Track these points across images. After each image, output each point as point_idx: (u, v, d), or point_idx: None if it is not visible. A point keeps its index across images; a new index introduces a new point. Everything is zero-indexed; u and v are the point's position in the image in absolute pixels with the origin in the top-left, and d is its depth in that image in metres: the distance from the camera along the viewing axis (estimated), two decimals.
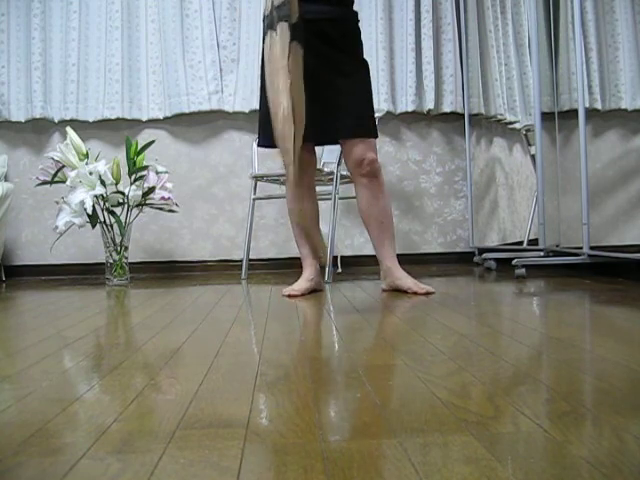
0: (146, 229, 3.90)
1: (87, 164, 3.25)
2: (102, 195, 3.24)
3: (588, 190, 2.77)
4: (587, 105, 2.84)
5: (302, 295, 2.48)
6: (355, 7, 3.99)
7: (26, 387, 1.16)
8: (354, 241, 4.00)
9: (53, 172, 3.33)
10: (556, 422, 0.88)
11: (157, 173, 3.37)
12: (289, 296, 2.46)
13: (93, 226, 3.26)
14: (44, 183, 3.38)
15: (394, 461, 0.76)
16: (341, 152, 2.74)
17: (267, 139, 2.48)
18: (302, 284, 2.53)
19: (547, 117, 3.21)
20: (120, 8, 3.85)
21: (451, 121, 4.04)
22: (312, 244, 2.40)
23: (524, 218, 3.67)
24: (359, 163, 2.45)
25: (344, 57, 2.45)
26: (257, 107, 3.85)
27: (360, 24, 2.57)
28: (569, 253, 3.01)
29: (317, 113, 2.41)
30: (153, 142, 3.42)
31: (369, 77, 2.51)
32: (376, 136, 2.52)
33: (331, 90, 2.41)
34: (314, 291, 2.57)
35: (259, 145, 2.57)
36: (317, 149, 3.30)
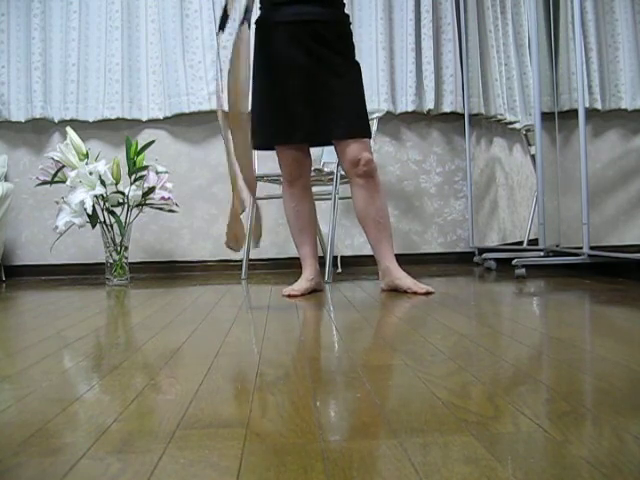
0: (146, 229, 3.90)
1: (87, 164, 3.25)
2: (102, 195, 3.24)
3: (588, 190, 2.77)
4: (587, 105, 2.84)
5: (302, 295, 2.48)
6: (355, 7, 4.00)
7: (26, 387, 1.16)
8: (354, 241, 4.00)
9: (53, 172, 3.33)
10: (556, 422, 0.88)
11: (157, 173, 3.37)
12: (289, 296, 2.46)
13: (93, 226, 3.26)
14: (44, 183, 3.38)
15: (394, 461, 0.76)
16: None
17: (264, 140, 2.51)
18: (302, 284, 2.53)
19: (547, 117, 3.21)
20: (120, 8, 3.85)
21: (451, 121, 4.04)
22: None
23: (524, 218, 3.67)
24: (355, 163, 2.45)
25: (338, 58, 2.46)
26: None
27: (352, 27, 2.59)
28: (569, 253, 3.01)
29: (311, 114, 2.43)
30: (153, 142, 3.42)
31: (361, 78, 2.53)
32: (370, 136, 2.53)
33: (325, 91, 2.42)
34: (314, 291, 2.57)
35: (254, 147, 2.51)
36: (317, 149, 3.31)
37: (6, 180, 3.78)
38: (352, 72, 2.49)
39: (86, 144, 3.42)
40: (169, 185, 3.37)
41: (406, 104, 3.91)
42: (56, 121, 3.87)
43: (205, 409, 1.00)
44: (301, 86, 2.41)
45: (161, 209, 3.44)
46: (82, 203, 3.17)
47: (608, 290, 2.46)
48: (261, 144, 2.55)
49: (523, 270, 2.96)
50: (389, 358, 1.35)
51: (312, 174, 2.78)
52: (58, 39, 3.85)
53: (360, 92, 2.50)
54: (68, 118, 3.85)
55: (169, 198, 3.36)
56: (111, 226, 3.33)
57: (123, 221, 3.33)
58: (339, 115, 2.42)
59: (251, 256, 3.58)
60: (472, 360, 1.30)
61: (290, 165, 2.55)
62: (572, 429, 0.85)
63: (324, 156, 3.54)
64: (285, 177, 2.59)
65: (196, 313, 2.12)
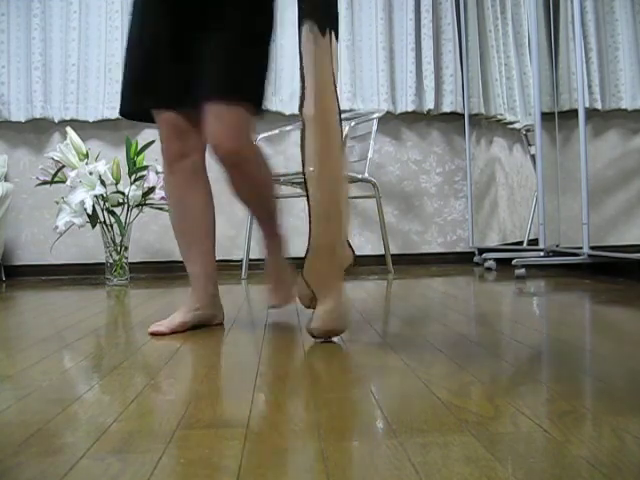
0: (146, 229, 3.90)
1: (87, 164, 3.25)
2: (102, 195, 3.24)
3: (588, 190, 2.77)
4: (587, 105, 2.84)
5: (172, 333, 1.71)
6: (355, 7, 4.00)
7: (26, 387, 1.16)
8: (353, 241, 4.00)
9: (53, 172, 3.33)
10: (556, 422, 0.88)
11: (157, 173, 3.36)
12: (153, 334, 1.71)
13: (93, 226, 3.26)
14: (44, 183, 3.37)
15: (394, 461, 0.76)
16: None
17: (126, 103, 1.78)
18: (176, 318, 1.76)
19: (547, 117, 3.21)
20: (120, 8, 3.85)
21: (451, 121, 4.04)
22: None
23: (524, 218, 3.67)
24: (213, 146, 1.68)
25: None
26: None
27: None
28: (569, 253, 3.01)
29: (184, 68, 1.69)
30: (153, 142, 3.41)
31: (270, 29, 1.72)
32: (252, 100, 1.69)
33: (209, 38, 1.66)
34: (201, 326, 1.78)
35: (120, 114, 1.81)
36: None
37: (6, 180, 3.78)
38: (256, 17, 1.70)
39: (86, 144, 3.42)
40: None
41: (406, 104, 3.92)
42: (56, 121, 3.87)
43: (205, 409, 1.00)
44: (175, 31, 1.68)
45: (161, 209, 3.43)
46: (82, 203, 3.17)
47: (608, 290, 2.46)
48: (124, 109, 1.79)
49: (523, 270, 2.96)
50: (389, 358, 1.35)
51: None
52: (58, 39, 3.85)
53: (258, 44, 1.70)
54: (68, 118, 3.85)
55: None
56: (111, 226, 3.33)
57: (123, 221, 3.33)
58: (213, 68, 1.65)
59: (251, 256, 3.58)
60: (472, 360, 1.30)
61: (166, 138, 1.77)
62: (572, 429, 0.85)
63: None
64: (163, 156, 1.81)
65: None
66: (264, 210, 1.93)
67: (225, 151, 1.67)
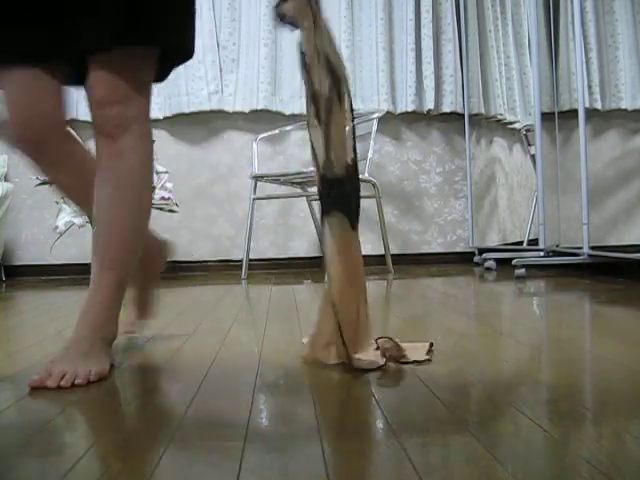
0: None
1: None
2: None
3: (588, 190, 2.77)
4: (587, 105, 2.84)
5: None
6: (355, 7, 4.00)
7: (26, 387, 1.16)
8: None
9: None
10: (556, 422, 0.88)
11: (157, 173, 3.36)
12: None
13: (93, 226, 3.25)
14: (44, 183, 3.37)
15: (394, 461, 0.76)
16: None
17: None
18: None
19: (547, 117, 3.21)
20: None
21: (451, 121, 4.04)
22: None
23: (524, 218, 3.67)
24: (97, 102, 1.35)
25: None
26: (257, 107, 3.87)
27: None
28: (569, 253, 3.01)
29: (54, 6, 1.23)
30: (153, 142, 3.41)
31: None
32: (154, 43, 1.30)
33: None
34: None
35: None
36: None
37: (6, 180, 3.78)
38: None
39: (86, 144, 3.42)
40: (169, 185, 3.37)
41: (406, 104, 3.92)
42: None
43: (205, 409, 1.00)
44: None
45: (161, 209, 3.43)
46: None
47: (608, 290, 2.46)
48: None
49: (523, 270, 2.96)
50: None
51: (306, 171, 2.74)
52: None
53: None
54: (68, 118, 3.84)
55: (169, 198, 3.36)
56: None
57: None
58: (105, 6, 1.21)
59: (251, 256, 3.58)
60: (472, 360, 1.30)
61: (17, 108, 1.35)
62: (572, 429, 0.85)
63: None
64: (13, 139, 1.40)
65: (196, 313, 2.12)
66: (108, 240, 1.49)
67: (105, 102, 1.33)
